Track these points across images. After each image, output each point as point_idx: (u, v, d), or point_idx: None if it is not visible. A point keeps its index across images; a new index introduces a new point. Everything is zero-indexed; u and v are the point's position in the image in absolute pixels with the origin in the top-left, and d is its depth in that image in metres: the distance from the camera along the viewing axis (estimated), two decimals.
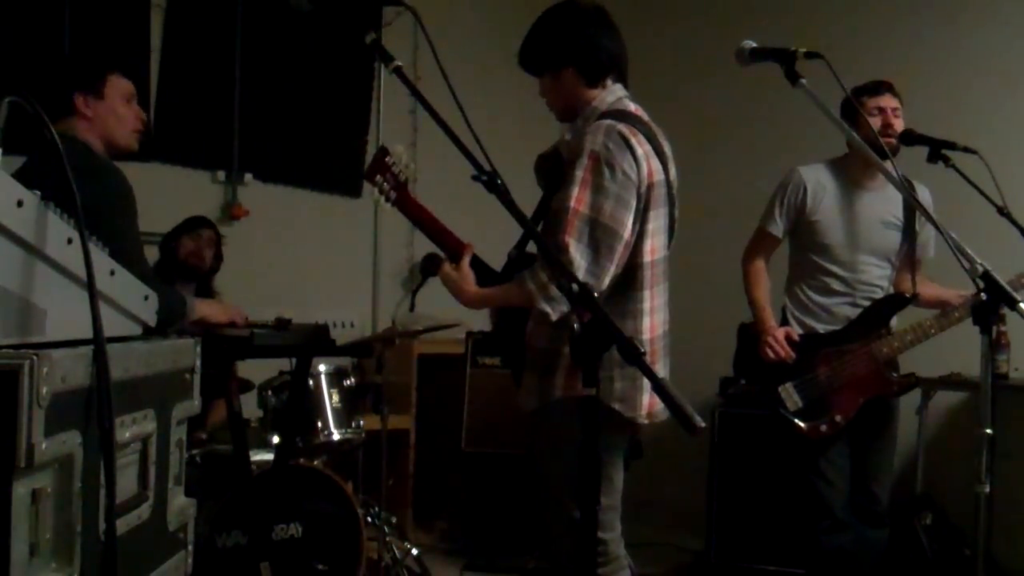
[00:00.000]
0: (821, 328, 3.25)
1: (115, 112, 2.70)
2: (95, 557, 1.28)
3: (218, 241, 4.18)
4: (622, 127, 2.32)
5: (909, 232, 3.27)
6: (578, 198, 2.26)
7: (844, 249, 3.24)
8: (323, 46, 4.94)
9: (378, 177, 2.38)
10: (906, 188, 2.19)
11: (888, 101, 3.19)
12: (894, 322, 3.26)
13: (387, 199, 2.39)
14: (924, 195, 3.31)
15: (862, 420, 3.20)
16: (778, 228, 3.31)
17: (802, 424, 3.19)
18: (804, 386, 3.20)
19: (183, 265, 4.03)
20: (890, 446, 3.34)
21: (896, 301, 3.25)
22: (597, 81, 2.44)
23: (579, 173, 2.28)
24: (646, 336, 2.38)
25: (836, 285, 3.25)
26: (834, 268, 3.25)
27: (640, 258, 2.36)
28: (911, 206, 3.20)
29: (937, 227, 2.04)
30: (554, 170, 2.41)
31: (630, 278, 2.36)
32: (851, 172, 3.27)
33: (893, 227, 3.26)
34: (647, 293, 2.39)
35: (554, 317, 2.25)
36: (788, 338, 3.21)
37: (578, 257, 2.23)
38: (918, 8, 4.82)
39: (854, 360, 3.19)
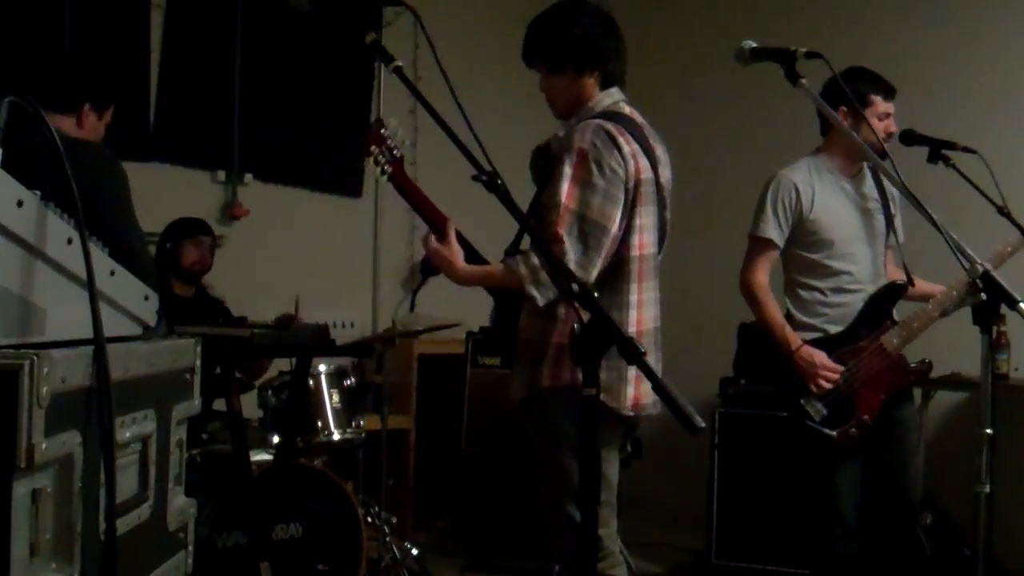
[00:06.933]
0: (832, 329, 3.16)
1: (100, 136, 2.72)
2: (95, 557, 1.28)
3: (214, 242, 4.16)
4: (609, 125, 2.37)
5: (888, 214, 3.23)
6: (568, 193, 2.32)
7: (848, 241, 3.16)
8: (323, 46, 4.93)
9: (373, 148, 2.39)
10: (906, 188, 2.19)
11: (892, 107, 3.14)
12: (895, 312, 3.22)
13: (382, 172, 2.40)
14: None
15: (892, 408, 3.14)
16: (776, 234, 3.19)
17: (832, 432, 3.09)
18: (824, 393, 3.10)
19: (187, 272, 4.00)
20: (912, 439, 3.26)
21: (894, 290, 3.18)
22: (610, 86, 2.51)
23: (567, 170, 2.33)
24: (632, 329, 2.42)
25: (847, 282, 3.17)
26: (838, 264, 3.16)
27: (628, 252, 2.41)
28: (882, 190, 3.19)
29: (936, 226, 2.04)
30: (544, 165, 2.45)
31: (617, 271, 2.41)
32: (833, 163, 3.20)
33: (878, 211, 3.22)
34: (634, 287, 2.43)
35: (541, 303, 2.28)
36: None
37: (569, 250, 2.29)
38: (918, 7, 4.82)
39: (868, 357, 3.11)
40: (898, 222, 3.28)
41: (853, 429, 3.09)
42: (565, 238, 2.29)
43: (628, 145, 2.37)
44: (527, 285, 2.27)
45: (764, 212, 3.21)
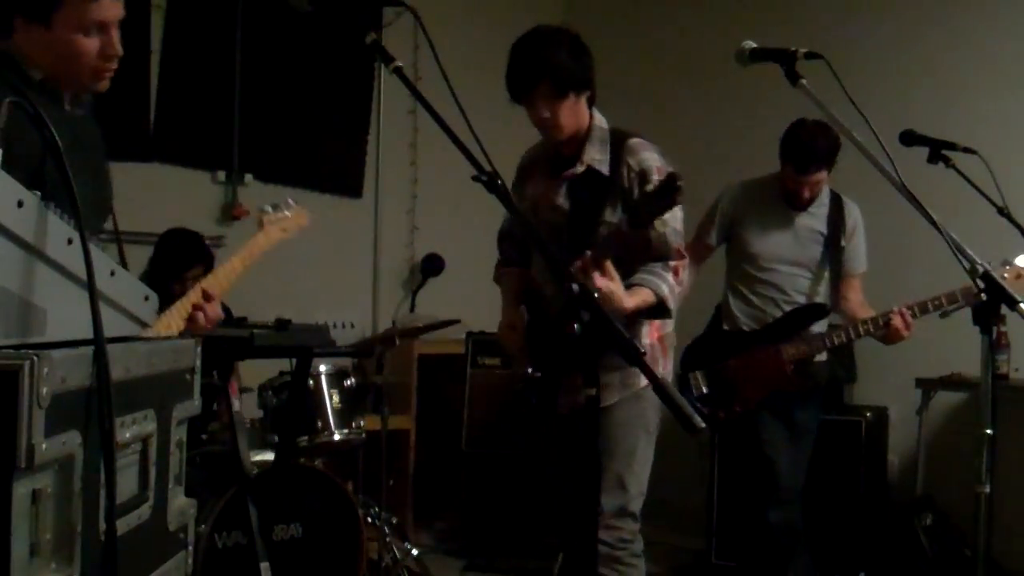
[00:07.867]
0: (746, 327, 3.49)
1: (66, 46, 2.03)
2: (95, 557, 1.28)
3: (209, 261, 3.94)
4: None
5: (832, 246, 3.46)
6: (674, 215, 2.55)
7: (769, 259, 3.46)
8: (323, 46, 4.94)
9: None
10: (906, 188, 2.18)
11: (818, 176, 3.35)
12: (818, 328, 3.44)
13: None
14: (854, 212, 3.51)
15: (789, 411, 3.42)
16: (711, 237, 3.58)
17: (704, 409, 3.41)
18: (713, 375, 3.45)
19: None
20: (803, 441, 3.49)
21: (815, 311, 3.45)
22: (592, 104, 2.67)
23: None
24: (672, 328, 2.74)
25: (764, 290, 3.47)
26: (761, 275, 3.47)
27: None
28: (836, 222, 3.46)
29: (936, 226, 2.04)
30: (593, 185, 2.58)
31: None
32: (780, 189, 3.46)
33: (815, 241, 3.47)
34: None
35: (672, 316, 2.59)
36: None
37: (687, 267, 2.61)
38: (917, 8, 4.81)
39: (763, 357, 3.40)
40: (852, 252, 3.50)
41: (721, 413, 3.43)
42: (688, 255, 2.60)
43: None
44: (670, 302, 2.51)
45: (709, 218, 3.60)
